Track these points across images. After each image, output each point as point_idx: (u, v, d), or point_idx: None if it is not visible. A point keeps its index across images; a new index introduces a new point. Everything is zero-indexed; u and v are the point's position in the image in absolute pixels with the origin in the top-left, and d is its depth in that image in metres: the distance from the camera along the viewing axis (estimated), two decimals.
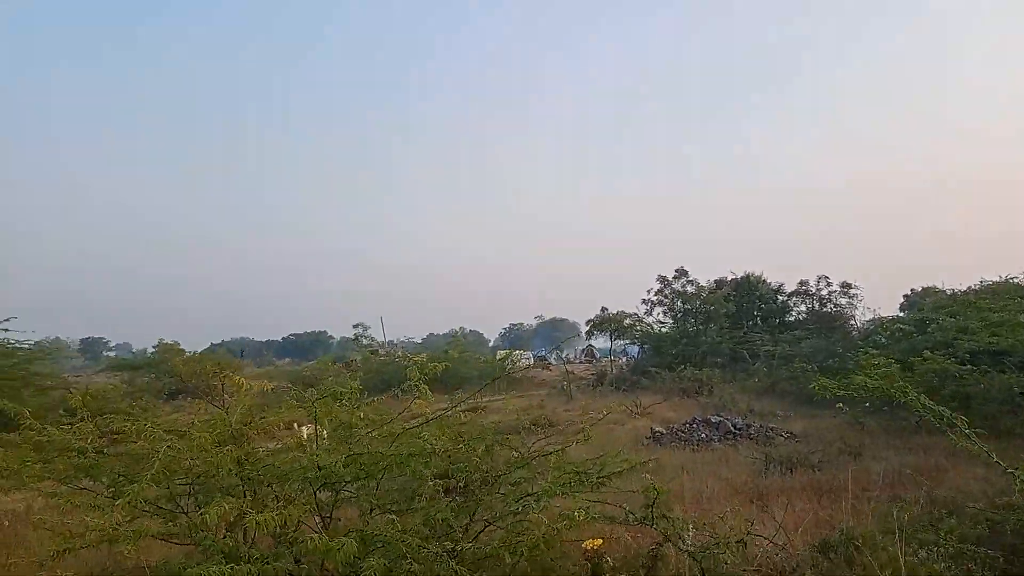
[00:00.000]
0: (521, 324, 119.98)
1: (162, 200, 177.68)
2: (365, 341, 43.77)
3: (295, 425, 16.94)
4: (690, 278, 32.22)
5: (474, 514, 5.64)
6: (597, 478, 5.79)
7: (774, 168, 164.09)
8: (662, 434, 15.95)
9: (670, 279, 32.24)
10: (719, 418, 16.50)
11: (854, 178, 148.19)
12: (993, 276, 28.95)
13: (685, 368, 25.61)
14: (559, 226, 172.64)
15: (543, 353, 77.67)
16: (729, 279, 34.73)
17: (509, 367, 30.55)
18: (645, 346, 33.57)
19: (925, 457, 12.31)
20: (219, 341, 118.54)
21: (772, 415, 19.45)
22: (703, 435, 15.50)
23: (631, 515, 4.64)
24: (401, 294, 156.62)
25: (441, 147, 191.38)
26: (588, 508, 4.72)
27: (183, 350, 37.76)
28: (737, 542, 4.53)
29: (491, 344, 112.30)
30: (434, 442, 5.04)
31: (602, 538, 4.98)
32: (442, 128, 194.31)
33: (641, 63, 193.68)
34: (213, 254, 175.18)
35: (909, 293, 39.47)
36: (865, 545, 4.91)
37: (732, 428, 15.90)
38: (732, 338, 29.87)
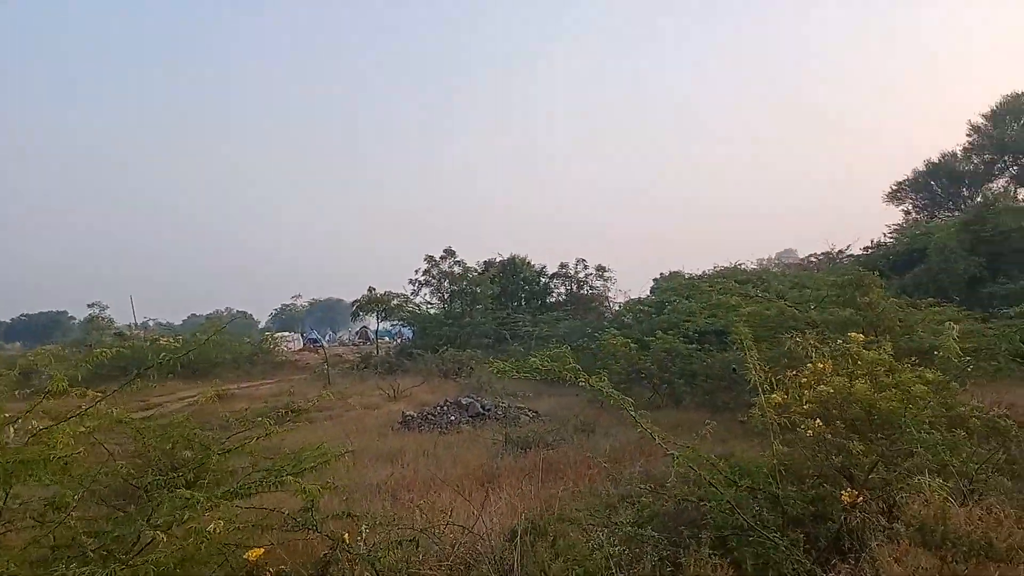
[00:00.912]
0: (294, 305, 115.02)
1: None
2: (104, 322, 39.13)
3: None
4: (457, 259, 32.45)
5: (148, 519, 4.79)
6: (284, 475, 5.23)
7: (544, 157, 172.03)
8: (413, 417, 15.69)
9: (438, 259, 32.23)
10: (469, 400, 16.57)
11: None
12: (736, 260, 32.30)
13: (447, 350, 25.65)
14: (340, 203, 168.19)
15: (314, 335, 74.99)
16: (497, 260, 35.56)
17: (268, 349, 28.69)
18: (414, 328, 33.35)
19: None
20: None
21: (524, 395, 20.03)
22: (452, 417, 15.47)
23: (292, 519, 4.12)
24: (164, 273, 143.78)
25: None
26: (234, 517, 4.11)
27: None
28: (409, 541, 4.19)
29: (261, 326, 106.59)
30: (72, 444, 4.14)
31: (274, 544, 4.40)
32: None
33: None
34: None
35: (658, 276, 43.10)
36: (547, 531, 4.81)
37: (480, 409, 16.03)
38: (496, 319, 30.53)
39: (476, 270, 32.88)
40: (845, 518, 3.93)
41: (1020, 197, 40.97)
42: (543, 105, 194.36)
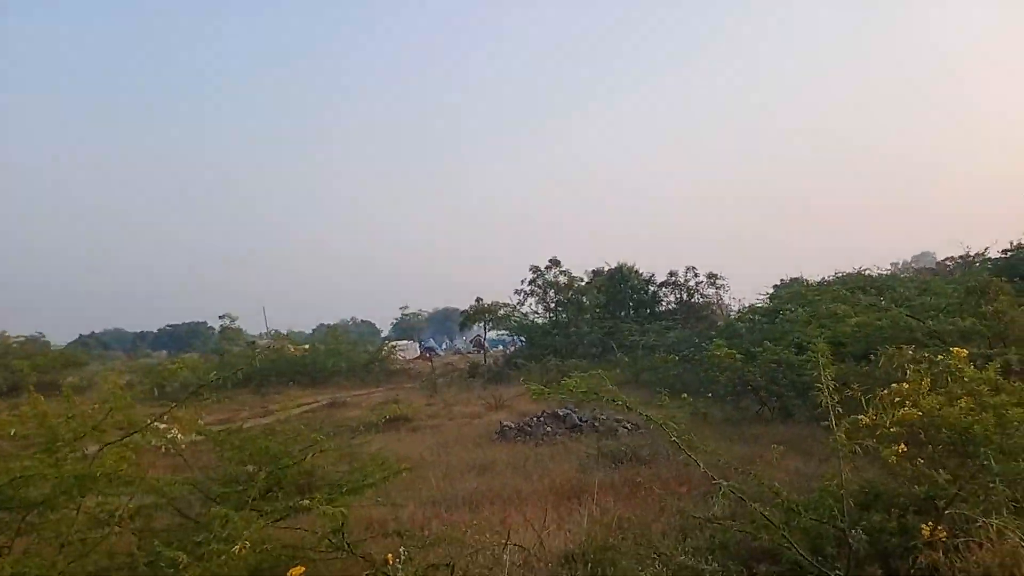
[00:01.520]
0: (415, 313, 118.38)
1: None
2: (234, 333, 41.67)
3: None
4: (563, 268, 32.33)
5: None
6: (342, 491, 5.31)
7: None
8: (510, 428, 15.68)
9: (543, 269, 32.25)
10: (566, 411, 16.39)
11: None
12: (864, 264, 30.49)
13: (550, 359, 25.58)
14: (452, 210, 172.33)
15: (429, 344, 76.88)
16: (605, 269, 35.19)
17: (383, 357, 29.67)
18: (522, 338, 33.51)
19: (754, 447, 12.39)
20: (89, 332, 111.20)
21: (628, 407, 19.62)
22: (548, 429, 15.34)
23: (327, 540, 4.13)
24: (294, 283, 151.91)
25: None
26: (267, 537, 4.16)
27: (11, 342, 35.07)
28: (446, 565, 4.11)
29: (383, 335, 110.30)
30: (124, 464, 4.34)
31: (316, 561, 4.44)
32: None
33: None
34: (89, 238, 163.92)
35: (778, 283, 41.26)
36: (602, 559, 4.62)
37: (578, 420, 15.82)
38: (602, 328, 30.17)
39: (581, 279, 32.68)
40: (913, 558, 3.53)
41: None
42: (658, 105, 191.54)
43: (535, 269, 32.22)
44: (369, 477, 5.30)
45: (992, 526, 3.26)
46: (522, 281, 32.43)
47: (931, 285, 20.51)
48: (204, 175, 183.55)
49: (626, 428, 15.35)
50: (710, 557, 4.62)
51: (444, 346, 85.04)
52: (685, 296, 34.07)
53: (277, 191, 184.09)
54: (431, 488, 10.87)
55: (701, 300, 33.93)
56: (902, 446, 4.88)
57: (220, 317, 47.52)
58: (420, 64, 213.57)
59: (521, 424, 15.81)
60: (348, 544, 4.09)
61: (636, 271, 34.51)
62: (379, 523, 8.61)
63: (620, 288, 33.93)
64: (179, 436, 12.79)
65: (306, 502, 4.80)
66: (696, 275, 33.87)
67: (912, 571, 3.59)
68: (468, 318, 33.52)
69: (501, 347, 46.79)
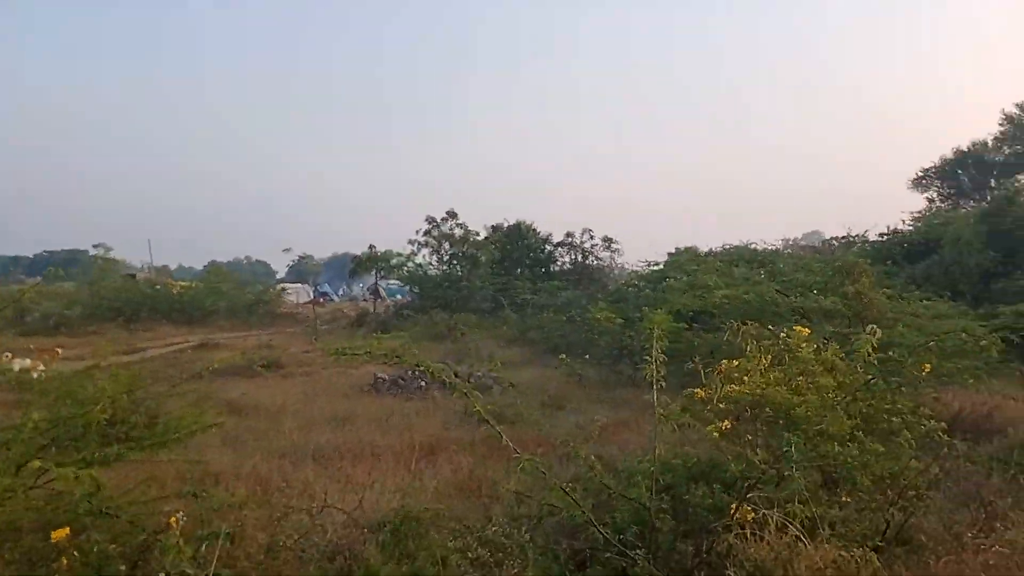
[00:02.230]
0: (311, 256, 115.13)
1: None
2: (108, 264, 39.20)
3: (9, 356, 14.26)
4: (459, 221, 31.83)
5: None
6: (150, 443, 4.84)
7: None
8: (384, 381, 15.33)
9: (439, 221, 31.66)
10: (442, 364, 16.11)
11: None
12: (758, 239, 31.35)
13: (438, 312, 25.26)
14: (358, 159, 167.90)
15: (324, 289, 75.03)
16: (505, 227, 34.94)
17: (269, 299, 28.46)
18: (415, 288, 32.97)
19: (618, 412, 12.45)
20: None
21: (508, 365, 19.65)
22: (423, 383, 15.06)
23: (85, 503, 3.66)
24: (187, 217, 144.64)
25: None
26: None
27: None
28: (226, 533, 3.73)
29: (277, 276, 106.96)
30: None
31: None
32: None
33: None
34: None
35: (673, 251, 42.16)
36: (411, 522, 4.37)
37: (455, 376, 15.59)
38: (495, 285, 30.02)
39: (477, 233, 32.32)
40: (707, 543, 3.42)
41: None
42: (566, 69, 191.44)
43: (431, 220, 31.55)
44: (175, 431, 4.81)
45: (772, 517, 3.17)
46: (417, 231, 31.85)
47: (808, 263, 21.31)
48: (101, 95, 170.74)
49: (500, 386, 15.29)
50: (523, 530, 4.44)
51: (340, 292, 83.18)
52: (580, 258, 34.33)
53: (175, 121, 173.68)
54: (285, 439, 10.44)
55: (595, 263, 34.28)
56: (726, 423, 4.82)
57: (95, 246, 44.55)
58: None
59: (395, 377, 15.47)
60: (106, 509, 3.63)
61: (534, 230, 34.45)
62: (219, 476, 8.18)
63: (517, 245, 33.79)
64: (38, 370, 11.72)
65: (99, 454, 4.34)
66: (592, 237, 34.17)
67: (708, 554, 3.50)
68: (359, 264, 32.62)
69: (400, 296, 46.07)
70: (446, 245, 31.38)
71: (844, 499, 4.26)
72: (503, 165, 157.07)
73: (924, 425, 5.02)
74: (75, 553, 3.70)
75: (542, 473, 3.95)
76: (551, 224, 37.01)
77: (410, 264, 32.74)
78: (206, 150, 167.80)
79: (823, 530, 3.38)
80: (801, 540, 2.98)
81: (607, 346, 17.21)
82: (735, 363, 5.06)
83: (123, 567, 3.74)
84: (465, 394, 4.33)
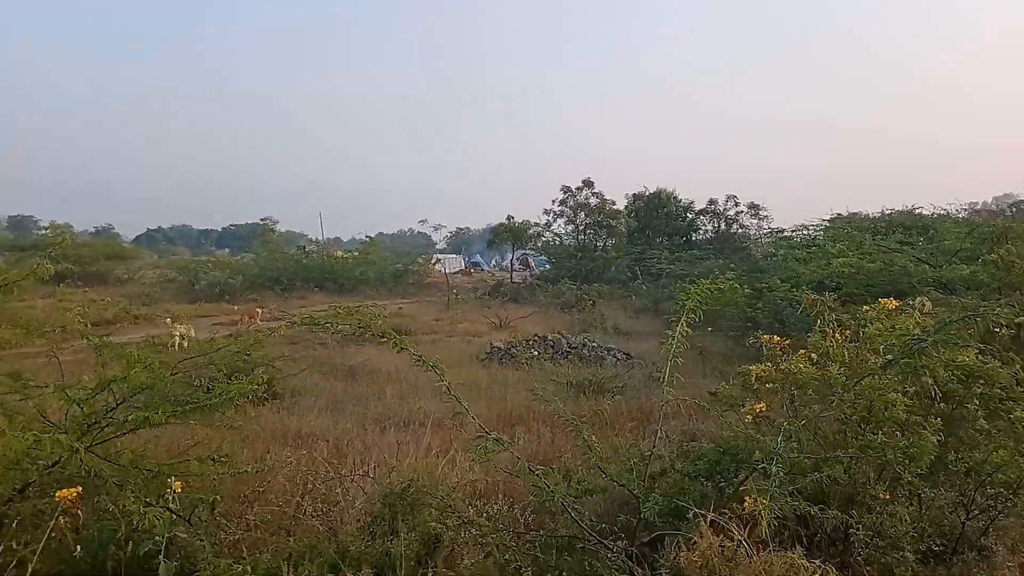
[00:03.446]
0: (468, 228, 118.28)
1: (100, 78, 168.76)
2: (276, 236, 42.21)
3: (170, 321, 15.92)
4: (595, 190, 31.21)
5: None
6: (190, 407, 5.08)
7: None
8: (498, 350, 15.43)
9: (574, 190, 31.23)
10: (557, 336, 16.01)
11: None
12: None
13: (566, 283, 25.03)
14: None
15: (475, 259, 76.88)
16: (647, 194, 33.96)
17: (414, 269, 29.60)
18: (551, 259, 32.92)
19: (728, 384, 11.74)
20: (156, 227, 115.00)
21: (634, 334, 19.22)
22: (536, 352, 15.01)
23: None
24: (359, 194, 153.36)
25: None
26: None
27: (72, 233, 36.03)
28: (211, 500, 3.81)
29: (436, 247, 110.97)
30: None
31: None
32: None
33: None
34: (163, 137, 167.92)
35: (828, 218, 39.20)
36: (401, 507, 4.28)
37: (567, 347, 15.43)
38: (630, 255, 29.30)
39: (614, 202, 31.57)
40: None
41: None
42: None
43: (566, 189, 31.21)
44: (216, 397, 4.99)
45: (705, 518, 2.74)
46: (553, 201, 31.62)
47: (979, 228, 19.01)
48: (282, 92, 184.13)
49: (616, 357, 14.93)
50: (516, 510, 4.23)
51: (493, 263, 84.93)
52: (723, 226, 32.72)
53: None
54: (383, 405, 10.75)
55: (740, 231, 32.55)
56: (760, 405, 4.35)
57: (262, 220, 48.08)
58: None
59: (509, 347, 15.51)
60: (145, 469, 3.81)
61: (675, 197, 33.19)
62: (313, 437, 8.57)
63: (656, 214, 32.75)
64: (189, 336, 12.93)
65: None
66: (737, 204, 32.41)
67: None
68: (497, 235, 32.96)
69: (547, 266, 46.28)
70: (581, 215, 30.98)
71: (883, 496, 3.68)
72: (647, 131, 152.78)
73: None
74: (78, 512, 3.89)
75: (516, 457, 3.70)
76: (701, 192, 35.43)
77: (548, 234, 32.68)
78: (382, 139, 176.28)
79: (802, 532, 2.90)
80: (744, 545, 2.54)
81: (733, 318, 16.31)
82: (775, 339, 4.56)
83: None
84: (430, 365, 4.11)
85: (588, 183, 31.05)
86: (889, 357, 3.81)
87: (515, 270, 58.08)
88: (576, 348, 15.32)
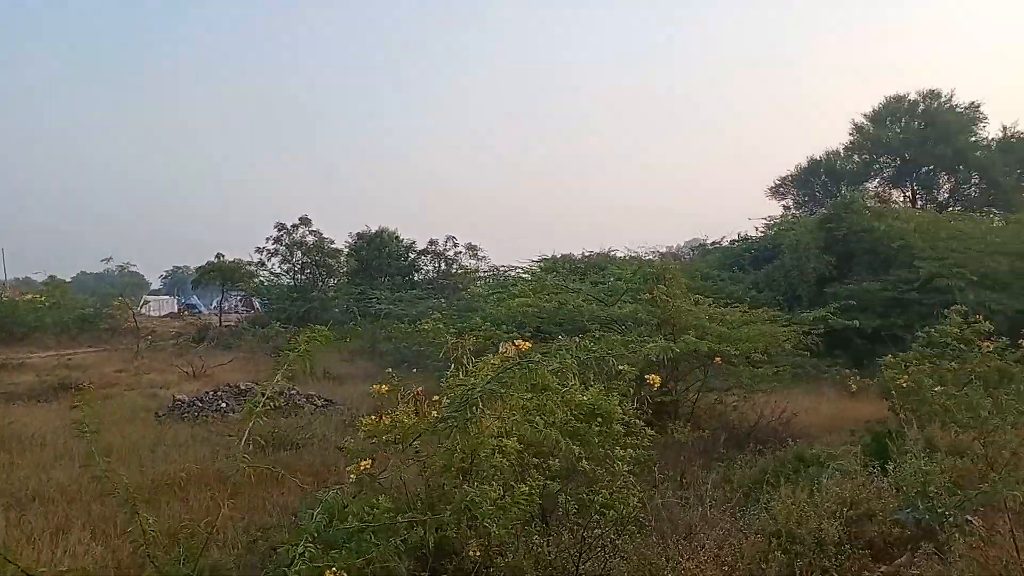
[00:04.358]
0: (187, 267, 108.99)
1: None
2: None
3: None
4: (312, 228, 30.24)
5: None
6: None
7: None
8: (182, 403, 13.90)
9: (290, 227, 29.97)
10: (249, 384, 14.88)
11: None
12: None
13: (275, 325, 23.75)
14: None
15: (192, 300, 71.03)
16: (369, 234, 33.64)
17: (106, 313, 25.63)
18: (267, 301, 31.16)
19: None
20: None
21: (344, 377, 18.66)
22: (223, 405, 13.76)
23: None
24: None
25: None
26: None
27: None
28: None
29: (151, 287, 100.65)
30: None
31: None
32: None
33: None
34: None
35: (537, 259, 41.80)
36: None
37: (262, 396, 14.35)
38: (350, 295, 28.71)
39: (332, 241, 30.84)
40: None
41: (894, 198, 41.90)
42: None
43: (280, 226, 29.83)
44: None
45: None
46: (267, 239, 30.03)
47: (621, 268, 21.16)
48: None
49: (314, 404, 14.20)
50: None
51: (214, 304, 79.07)
52: (443, 266, 33.46)
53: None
54: (18, 477, 9.01)
55: (460, 271, 33.48)
56: (365, 463, 4.02)
57: None
58: None
59: (195, 399, 14.06)
60: None
61: (396, 237, 33.29)
62: None
63: (379, 254, 32.54)
64: None
65: None
66: (456, 244, 33.38)
67: None
68: (204, 274, 30.50)
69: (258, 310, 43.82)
70: (298, 253, 29.77)
71: (473, 552, 3.51)
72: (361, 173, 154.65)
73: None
74: None
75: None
76: (429, 234, 35.57)
77: (264, 274, 30.94)
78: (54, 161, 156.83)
79: None
80: None
81: (438, 358, 16.39)
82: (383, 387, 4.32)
83: None
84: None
85: (305, 220, 29.99)
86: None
87: (236, 312, 54.44)
88: (272, 397, 14.27)
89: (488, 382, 3.58)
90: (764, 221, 32.66)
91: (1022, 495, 3.63)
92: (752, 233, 31.53)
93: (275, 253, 29.83)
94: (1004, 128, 39.54)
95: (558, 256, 30.37)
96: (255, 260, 29.89)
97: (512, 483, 3.73)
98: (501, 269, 28.29)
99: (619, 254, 31.42)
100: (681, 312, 10.91)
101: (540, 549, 3.97)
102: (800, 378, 12.75)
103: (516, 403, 3.96)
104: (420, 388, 5.17)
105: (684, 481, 7.08)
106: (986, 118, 39.96)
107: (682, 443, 8.70)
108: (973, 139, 39.79)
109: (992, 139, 39.85)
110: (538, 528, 4.06)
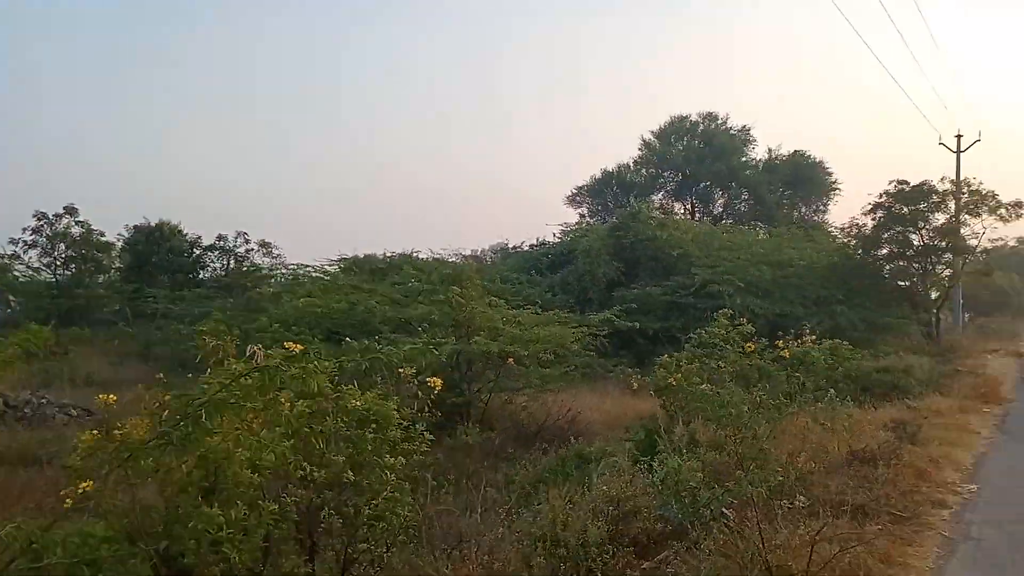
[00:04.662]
0: None
1: None
2: None
3: None
4: (79, 219, 26.96)
5: None
6: None
7: None
8: None
9: (52, 217, 26.54)
10: None
11: None
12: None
13: (44, 326, 20.92)
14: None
15: None
16: (148, 227, 30.69)
17: None
18: (15, 299, 27.43)
19: None
20: None
21: (110, 384, 16.74)
22: None
23: None
24: None
25: None
26: None
27: None
28: None
29: None
30: None
31: None
32: None
33: None
34: None
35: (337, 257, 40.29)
36: None
37: (6, 405, 12.54)
38: (121, 293, 26.02)
39: (102, 234, 27.71)
40: None
41: (676, 209, 45.52)
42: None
43: (40, 216, 26.30)
44: None
45: None
46: (24, 229, 26.40)
47: (419, 269, 21.20)
48: None
49: (68, 415, 12.58)
50: None
51: None
52: (233, 263, 31.34)
53: None
54: None
55: (252, 269, 31.52)
56: (86, 483, 3.42)
57: None
58: None
59: None
60: None
61: (179, 231, 30.63)
62: None
63: (158, 249, 29.76)
64: None
65: None
66: (248, 241, 31.37)
67: None
68: None
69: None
70: (61, 246, 26.45)
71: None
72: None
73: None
74: None
75: None
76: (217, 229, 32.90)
77: (20, 268, 27.21)
78: None
79: None
80: None
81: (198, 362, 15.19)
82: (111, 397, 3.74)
83: None
84: None
85: (71, 210, 26.63)
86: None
87: None
88: (16, 406, 12.48)
89: (218, 391, 3.16)
90: (561, 227, 34.08)
91: (766, 490, 3.83)
92: (550, 239, 32.83)
93: (33, 245, 26.30)
94: (769, 150, 44.60)
95: (360, 256, 29.59)
96: (7, 252, 26.17)
97: (260, 501, 3.32)
98: (292, 268, 27.02)
99: (422, 255, 31.04)
100: (475, 314, 10.90)
101: (296, 570, 3.59)
102: (588, 377, 13.22)
103: (276, 413, 3.57)
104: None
105: (469, 484, 6.97)
106: (755, 140, 45.00)
107: (471, 445, 8.66)
108: (744, 159, 44.48)
109: (759, 160, 44.81)
110: (295, 548, 3.67)
